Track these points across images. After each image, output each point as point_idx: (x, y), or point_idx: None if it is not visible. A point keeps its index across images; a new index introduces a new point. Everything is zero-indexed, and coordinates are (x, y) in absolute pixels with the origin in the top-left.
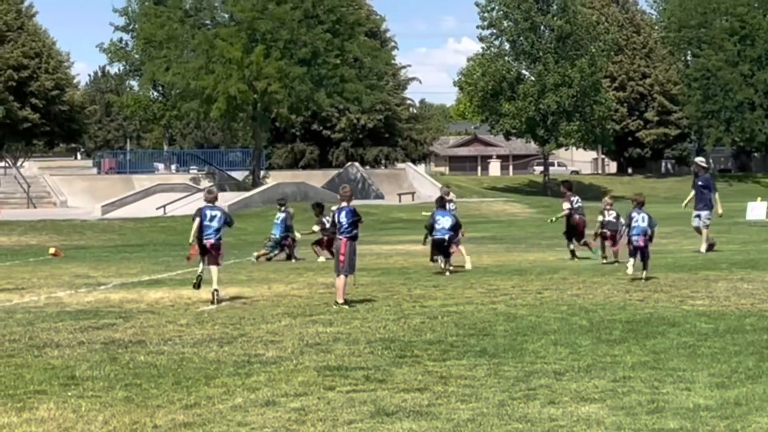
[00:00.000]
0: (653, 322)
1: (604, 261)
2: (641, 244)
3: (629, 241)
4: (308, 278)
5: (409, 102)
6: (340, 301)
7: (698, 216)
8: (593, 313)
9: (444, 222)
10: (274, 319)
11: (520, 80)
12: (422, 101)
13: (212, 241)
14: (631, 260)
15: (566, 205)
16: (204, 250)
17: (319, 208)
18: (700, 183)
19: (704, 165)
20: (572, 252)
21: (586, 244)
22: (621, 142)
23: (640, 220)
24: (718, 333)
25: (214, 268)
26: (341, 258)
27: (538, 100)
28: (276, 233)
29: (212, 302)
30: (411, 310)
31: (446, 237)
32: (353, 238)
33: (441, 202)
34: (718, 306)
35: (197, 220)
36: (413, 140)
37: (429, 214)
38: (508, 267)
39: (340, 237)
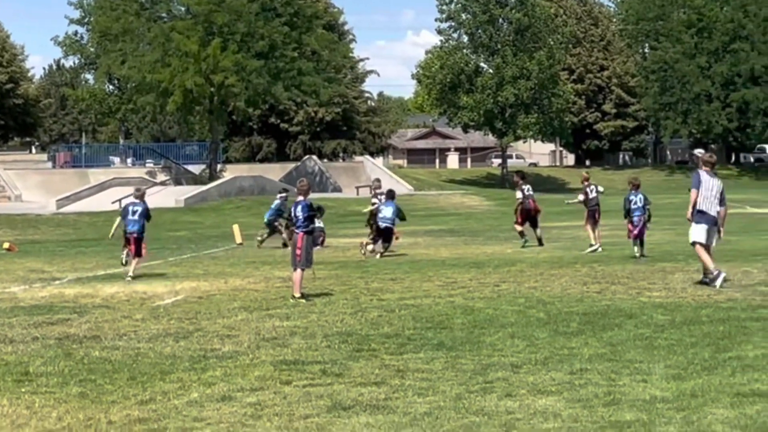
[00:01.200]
0: (610, 314)
1: (593, 248)
2: (641, 224)
3: (631, 222)
4: (265, 272)
5: (367, 95)
6: (297, 294)
7: None
8: (550, 306)
9: (386, 212)
10: (230, 314)
11: (478, 73)
12: (380, 94)
13: (135, 234)
14: (635, 248)
15: (519, 194)
16: (128, 242)
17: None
18: None
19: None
20: (539, 240)
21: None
22: (579, 135)
23: (638, 201)
24: (675, 324)
25: (135, 260)
26: (298, 252)
27: (497, 93)
28: (266, 216)
29: (130, 276)
30: (368, 304)
31: (389, 224)
32: (310, 232)
33: (390, 195)
34: (674, 297)
35: (119, 219)
36: (371, 133)
37: (368, 209)
38: (466, 260)
39: (297, 231)
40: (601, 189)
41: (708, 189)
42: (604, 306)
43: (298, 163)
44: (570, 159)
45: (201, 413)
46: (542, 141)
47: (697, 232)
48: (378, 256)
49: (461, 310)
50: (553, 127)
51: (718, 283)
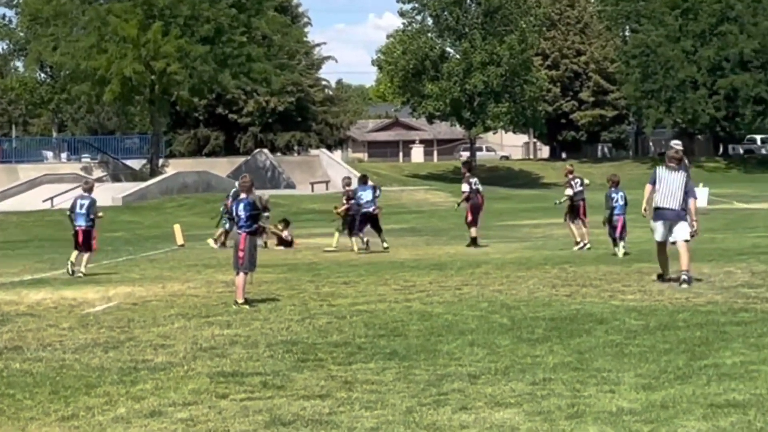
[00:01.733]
0: (579, 319)
1: (580, 245)
2: (621, 223)
3: (610, 222)
4: (207, 276)
5: (324, 83)
6: (240, 300)
7: None
8: (515, 311)
9: (366, 195)
10: (166, 321)
11: (444, 58)
12: (339, 82)
13: (83, 227)
14: (621, 243)
15: (465, 187)
16: (76, 236)
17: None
18: None
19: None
20: (474, 240)
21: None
22: (554, 125)
23: (619, 199)
24: (649, 330)
25: (86, 255)
26: (240, 254)
27: (464, 80)
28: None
29: (69, 272)
30: (317, 310)
31: (372, 209)
32: (253, 233)
33: (363, 179)
34: (650, 301)
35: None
36: (328, 124)
37: (341, 209)
38: (427, 261)
39: (239, 231)
40: (586, 181)
41: (666, 184)
42: (573, 310)
43: (248, 158)
44: (544, 151)
45: (127, 430)
46: (514, 132)
47: (655, 229)
48: (383, 245)
49: (418, 316)
50: (525, 117)
51: (663, 285)
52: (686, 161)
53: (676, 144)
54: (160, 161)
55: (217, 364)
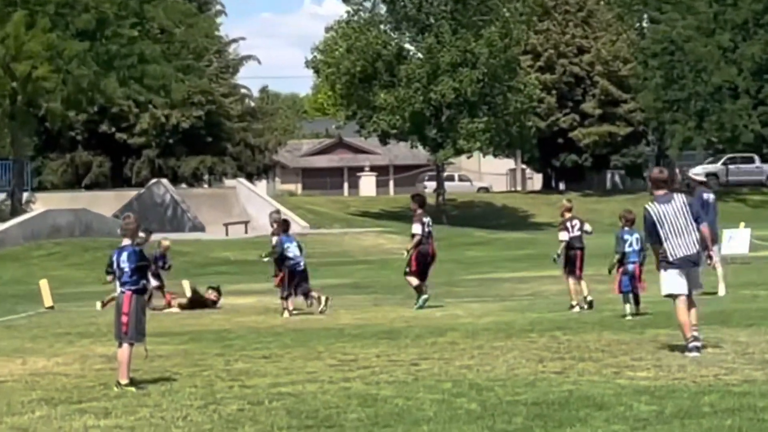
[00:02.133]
0: (572, 403)
1: (575, 308)
2: (637, 273)
3: (622, 270)
4: (82, 348)
5: (243, 91)
6: (124, 381)
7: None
8: (488, 393)
9: (294, 249)
10: (24, 409)
11: (402, 58)
12: (263, 90)
13: None
14: (627, 306)
15: (417, 228)
16: None
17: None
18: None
19: (700, 179)
20: (420, 289)
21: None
22: (548, 146)
23: (633, 242)
24: (663, 418)
25: None
26: (124, 319)
27: (428, 87)
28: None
29: None
30: (226, 393)
31: (302, 263)
32: (140, 292)
33: (285, 226)
34: (667, 379)
35: None
36: (249, 146)
37: (268, 257)
38: (374, 327)
39: (123, 290)
40: (588, 228)
41: (671, 222)
42: (565, 392)
43: (142, 190)
44: (536, 181)
45: None
46: (495, 156)
47: (671, 280)
48: (320, 309)
49: (358, 401)
50: (510, 136)
51: (690, 354)
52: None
53: (696, 174)
54: (25, 195)
55: None
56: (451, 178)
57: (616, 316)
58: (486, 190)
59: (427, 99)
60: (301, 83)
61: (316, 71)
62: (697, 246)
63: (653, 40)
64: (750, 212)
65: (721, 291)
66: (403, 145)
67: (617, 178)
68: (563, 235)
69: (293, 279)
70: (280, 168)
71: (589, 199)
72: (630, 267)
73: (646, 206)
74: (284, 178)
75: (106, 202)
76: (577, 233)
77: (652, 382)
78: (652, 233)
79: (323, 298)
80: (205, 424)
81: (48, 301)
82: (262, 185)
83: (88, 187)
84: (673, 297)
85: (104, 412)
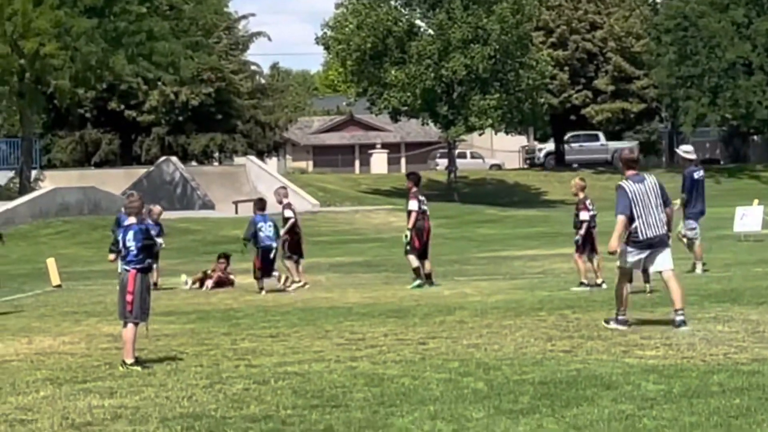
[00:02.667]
0: (580, 382)
1: (585, 287)
2: None
3: None
4: (88, 327)
5: (253, 68)
6: (129, 360)
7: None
8: (495, 372)
9: (268, 229)
10: (29, 389)
11: (413, 35)
12: (274, 67)
13: None
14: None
15: (413, 205)
16: None
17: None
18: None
19: (690, 157)
20: (428, 276)
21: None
22: (561, 123)
23: None
24: (671, 397)
25: None
26: (128, 298)
27: (440, 64)
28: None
29: None
30: (232, 372)
31: (273, 245)
32: (145, 270)
33: (261, 204)
34: (676, 358)
35: None
36: (259, 123)
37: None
38: (383, 306)
39: (127, 268)
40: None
41: (643, 202)
42: (573, 371)
43: (151, 168)
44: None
45: None
46: (507, 133)
47: (632, 256)
48: (263, 293)
49: (365, 380)
50: (522, 113)
51: (611, 325)
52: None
53: (686, 151)
54: (33, 173)
55: None
56: (463, 156)
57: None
58: (498, 167)
59: (438, 76)
60: (312, 60)
61: (327, 48)
62: (665, 227)
63: (666, 16)
64: (764, 188)
65: (698, 270)
66: (415, 122)
67: None
68: (585, 215)
69: (266, 260)
70: (290, 145)
71: (602, 176)
72: None
73: (622, 183)
74: (295, 155)
75: (116, 180)
76: (594, 211)
77: (660, 361)
78: (622, 207)
79: (283, 277)
80: (210, 403)
81: (55, 279)
82: (272, 163)
83: (97, 165)
84: (622, 270)
85: (109, 392)
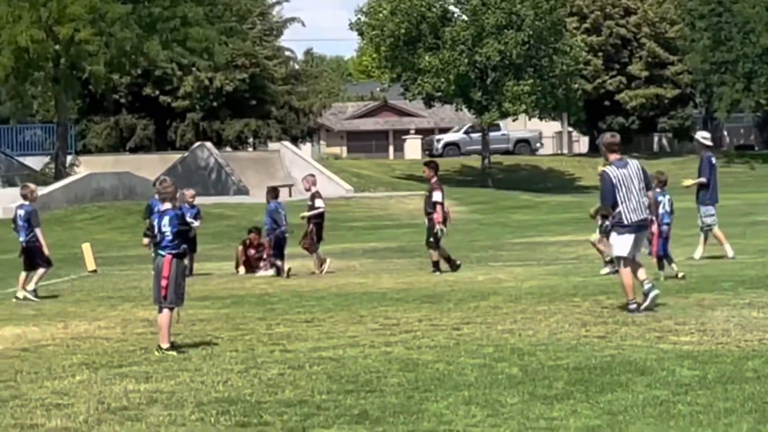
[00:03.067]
0: (614, 368)
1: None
2: (668, 234)
3: (659, 232)
4: (124, 312)
5: (287, 54)
6: (165, 345)
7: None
8: (530, 357)
9: (282, 218)
10: (65, 373)
11: (446, 21)
12: (308, 53)
13: (23, 242)
14: (665, 270)
15: (438, 196)
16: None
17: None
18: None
19: (708, 143)
20: (438, 266)
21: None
22: (595, 109)
23: (666, 203)
24: (706, 383)
25: (38, 273)
26: (163, 283)
27: (473, 50)
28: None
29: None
30: (267, 357)
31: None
32: (181, 256)
33: (275, 193)
34: (710, 344)
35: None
36: (293, 109)
37: (307, 215)
38: (417, 292)
39: (163, 253)
40: None
41: (627, 186)
42: (607, 357)
43: (186, 154)
44: (582, 144)
45: None
46: (541, 118)
47: (623, 244)
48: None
49: (399, 366)
50: (556, 99)
51: (631, 314)
52: None
53: (704, 137)
54: (69, 159)
55: (129, 429)
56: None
57: (658, 279)
58: (533, 152)
59: (472, 61)
60: (346, 46)
61: (361, 33)
62: (647, 211)
63: (701, 1)
64: None
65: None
66: (449, 107)
67: (664, 141)
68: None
69: (279, 246)
70: (324, 131)
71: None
72: (664, 228)
73: (605, 169)
74: (329, 141)
75: (150, 166)
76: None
77: (695, 346)
78: (608, 195)
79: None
80: (245, 388)
81: (91, 264)
82: (306, 148)
83: (132, 151)
84: (621, 260)
85: (145, 377)
